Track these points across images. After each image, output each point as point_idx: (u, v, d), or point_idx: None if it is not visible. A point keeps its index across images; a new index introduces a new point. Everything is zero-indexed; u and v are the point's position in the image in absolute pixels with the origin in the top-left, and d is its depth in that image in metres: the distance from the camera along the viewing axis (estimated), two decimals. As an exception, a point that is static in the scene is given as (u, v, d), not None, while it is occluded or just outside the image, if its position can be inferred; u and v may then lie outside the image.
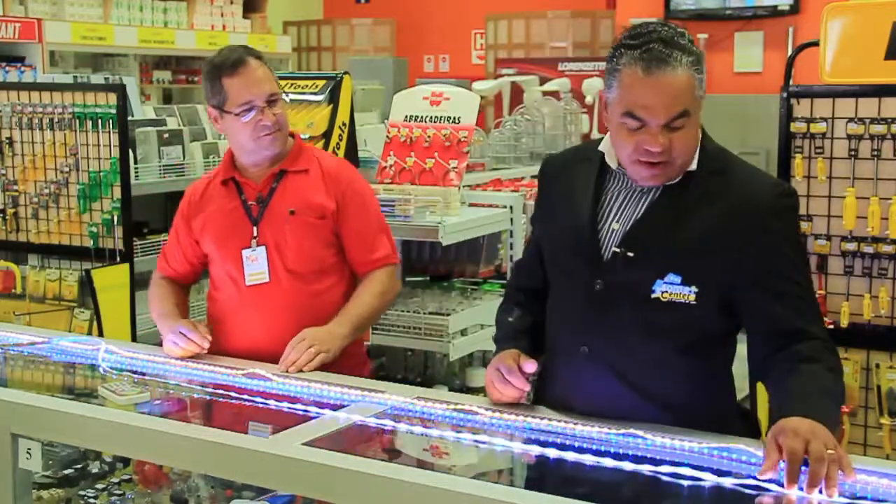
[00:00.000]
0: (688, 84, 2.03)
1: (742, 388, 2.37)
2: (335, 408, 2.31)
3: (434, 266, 4.04)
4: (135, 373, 2.65)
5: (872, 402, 2.86)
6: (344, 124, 4.00)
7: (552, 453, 2.02)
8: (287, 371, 2.61)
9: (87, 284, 4.04)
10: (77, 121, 4.19)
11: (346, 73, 4.08)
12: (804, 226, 2.87)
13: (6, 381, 2.71)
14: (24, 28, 7.85)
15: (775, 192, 2.14)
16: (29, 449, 2.35)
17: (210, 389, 2.55)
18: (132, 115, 5.15)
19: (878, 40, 2.79)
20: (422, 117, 3.89)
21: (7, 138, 4.37)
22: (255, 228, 2.85)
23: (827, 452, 1.78)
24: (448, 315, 3.65)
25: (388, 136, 3.95)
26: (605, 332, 2.16)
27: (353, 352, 2.90)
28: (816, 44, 2.91)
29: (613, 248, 2.15)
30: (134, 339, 4.10)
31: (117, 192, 4.14)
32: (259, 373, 2.57)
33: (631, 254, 2.13)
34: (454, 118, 3.84)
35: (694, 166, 2.14)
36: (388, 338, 3.67)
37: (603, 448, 2.03)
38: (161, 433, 2.20)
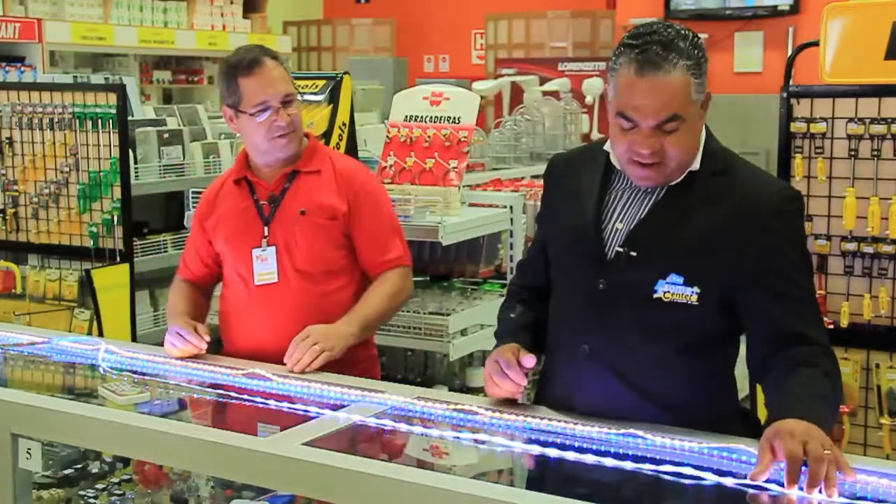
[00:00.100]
0: (681, 87, 2.02)
1: (742, 388, 2.37)
2: (335, 408, 2.31)
3: (434, 266, 4.03)
4: (135, 373, 2.65)
5: (872, 402, 2.86)
6: (344, 124, 3.99)
7: (552, 453, 2.01)
8: (292, 370, 2.60)
9: (87, 284, 4.05)
10: (77, 121, 4.19)
11: (346, 73, 4.07)
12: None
13: (6, 381, 2.71)
14: (24, 28, 7.84)
15: (778, 194, 2.13)
16: (29, 449, 2.35)
17: (210, 389, 2.55)
18: (132, 115, 5.16)
19: (878, 40, 2.79)
20: (422, 117, 3.88)
21: (7, 138, 4.37)
22: (266, 228, 2.85)
23: (824, 453, 1.78)
24: (448, 315, 3.65)
25: (388, 136, 3.95)
26: (605, 332, 2.16)
27: (365, 356, 2.91)
28: (816, 44, 2.91)
29: (617, 248, 2.15)
30: (134, 339, 4.10)
31: (117, 192, 4.14)
32: (259, 373, 2.56)
33: (634, 253, 2.13)
34: (454, 118, 3.84)
35: (697, 166, 2.14)
36: (388, 338, 3.66)
37: (603, 448, 2.03)
38: (161, 433, 2.20)
